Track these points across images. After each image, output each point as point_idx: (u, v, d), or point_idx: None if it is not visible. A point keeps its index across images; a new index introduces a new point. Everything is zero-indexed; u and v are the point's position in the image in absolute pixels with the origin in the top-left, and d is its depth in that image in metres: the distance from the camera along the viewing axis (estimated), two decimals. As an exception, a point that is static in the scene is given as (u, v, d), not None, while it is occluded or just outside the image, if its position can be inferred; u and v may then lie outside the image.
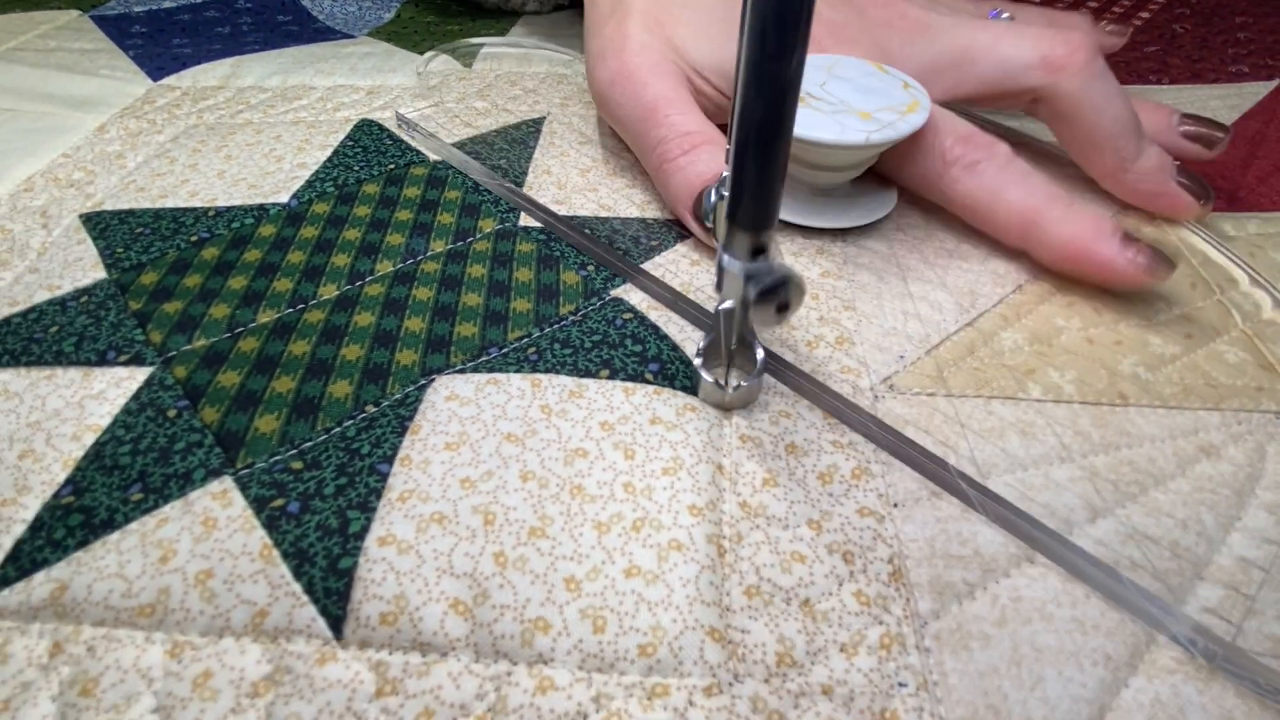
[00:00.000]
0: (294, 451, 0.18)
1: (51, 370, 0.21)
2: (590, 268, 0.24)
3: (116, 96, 0.35)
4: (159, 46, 0.39)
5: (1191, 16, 0.44)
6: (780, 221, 0.26)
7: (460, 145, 0.30)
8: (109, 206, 0.27)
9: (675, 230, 0.26)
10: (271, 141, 0.31)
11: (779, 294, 0.17)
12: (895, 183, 0.27)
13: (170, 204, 0.27)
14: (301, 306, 0.23)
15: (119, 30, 0.41)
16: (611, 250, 0.25)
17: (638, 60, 0.26)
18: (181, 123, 0.33)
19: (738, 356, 0.20)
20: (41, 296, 0.23)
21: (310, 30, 0.43)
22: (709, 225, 0.24)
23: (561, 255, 0.25)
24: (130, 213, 0.27)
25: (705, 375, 0.20)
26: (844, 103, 0.24)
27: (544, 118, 0.32)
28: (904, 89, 0.25)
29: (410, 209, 0.27)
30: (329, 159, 0.29)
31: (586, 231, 0.25)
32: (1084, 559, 0.17)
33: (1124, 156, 0.26)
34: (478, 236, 0.26)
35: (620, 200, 0.27)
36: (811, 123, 0.24)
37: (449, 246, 0.25)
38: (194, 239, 0.25)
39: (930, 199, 0.26)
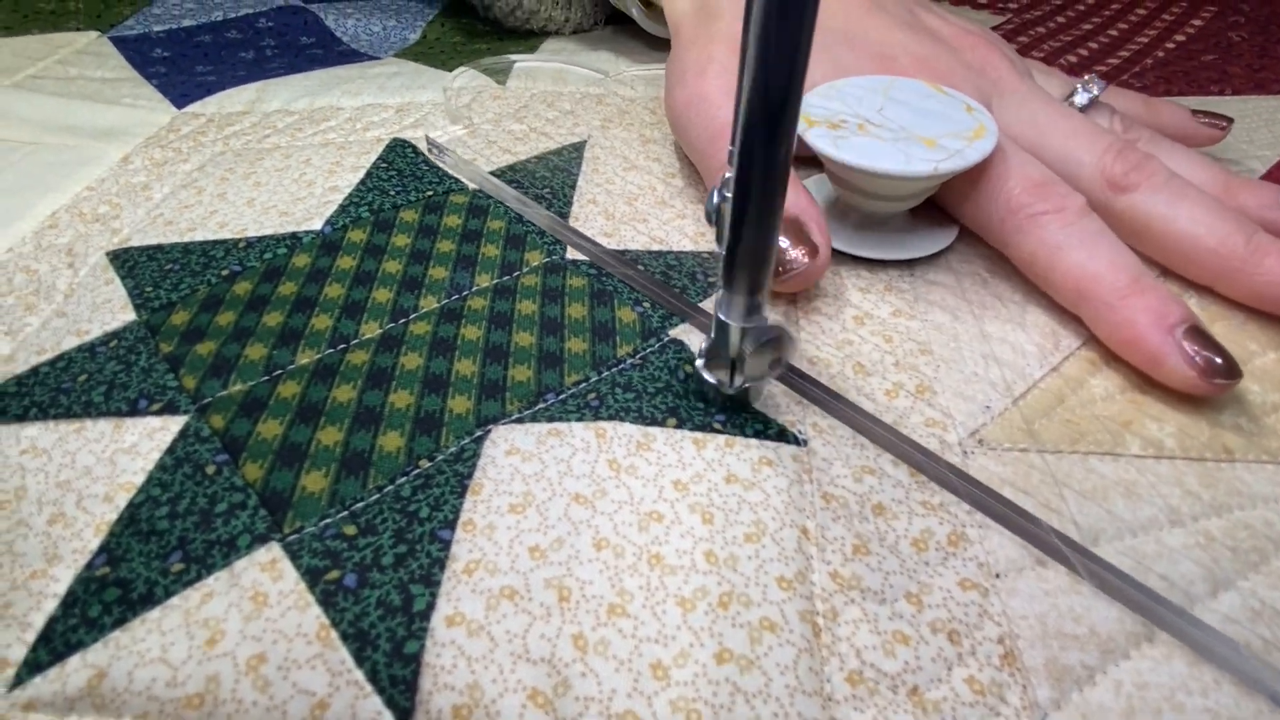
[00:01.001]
0: (346, 514, 0.17)
1: (81, 423, 0.20)
2: (646, 304, 0.23)
3: (140, 125, 0.33)
4: (182, 73, 0.38)
5: (1247, 25, 0.42)
6: (835, 251, 0.24)
7: (499, 174, 0.29)
8: (136, 242, 0.26)
9: (733, 265, 0.25)
10: (301, 165, 0.30)
11: (773, 349, 0.18)
12: (951, 215, 0.26)
13: (199, 236, 0.26)
14: (343, 346, 0.21)
15: (140, 55, 0.39)
16: (667, 287, 0.23)
17: (716, 84, 0.26)
18: (208, 150, 0.32)
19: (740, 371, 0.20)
20: (70, 343, 0.22)
21: (335, 53, 0.42)
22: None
23: (615, 290, 0.23)
24: (159, 248, 0.26)
25: (708, 376, 0.20)
26: (904, 129, 0.23)
27: (584, 142, 0.31)
28: (967, 112, 0.24)
29: (452, 239, 0.25)
30: (362, 181, 0.28)
31: (640, 267, 0.24)
32: (1211, 637, 0.15)
33: (1225, 254, 0.22)
34: (525, 270, 0.24)
35: (672, 232, 0.26)
36: (873, 152, 0.22)
37: (495, 281, 0.24)
38: (225, 273, 0.24)
39: (987, 241, 0.25)
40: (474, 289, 0.23)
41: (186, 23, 0.43)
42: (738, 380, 0.19)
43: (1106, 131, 0.25)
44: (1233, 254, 0.22)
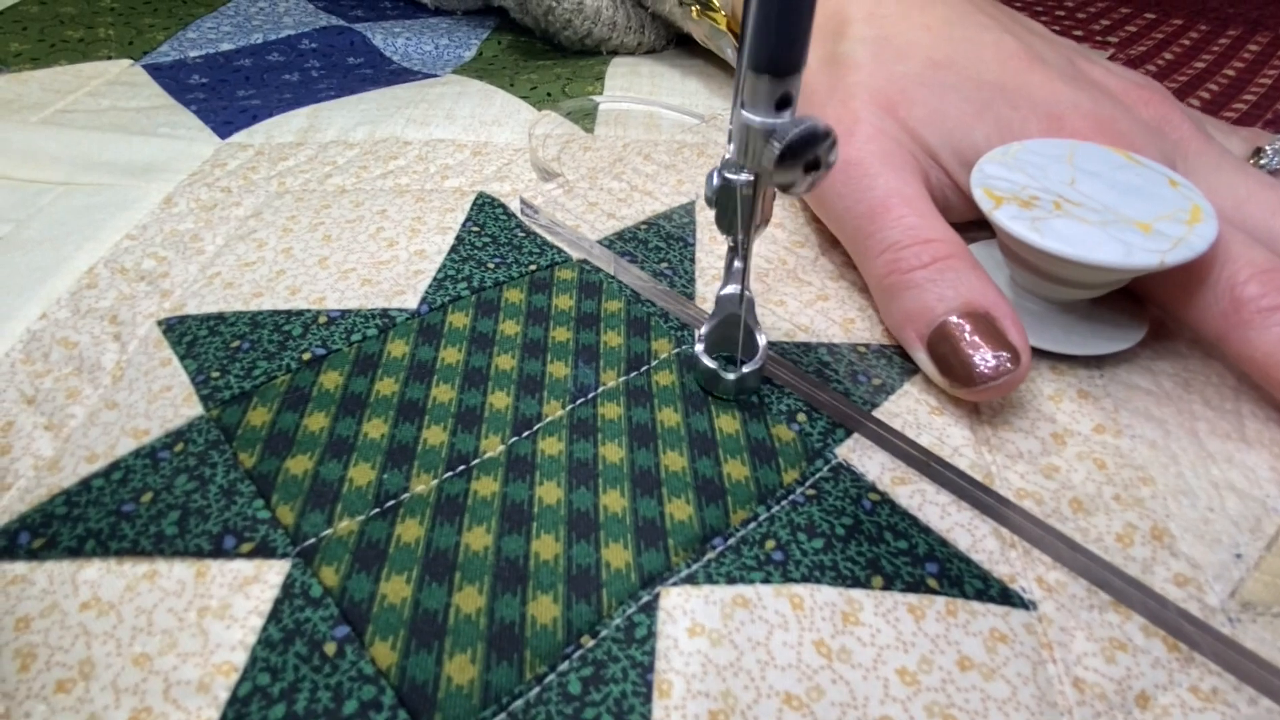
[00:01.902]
0: (504, 716, 0.14)
1: (152, 564, 0.16)
2: (801, 416, 0.20)
3: (181, 159, 0.30)
4: (222, 99, 0.34)
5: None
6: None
7: (608, 243, 0.25)
8: (192, 308, 0.22)
9: (898, 361, 0.21)
10: (376, 217, 0.26)
11: (807, 150, 0.15)
12: (1151, 305, 0.23)
13: (268, 304, 0.23)
14: (463, 469, 0.18)
15: (176, 82, 0.36)
16: (827, 389, 0.20)
17: (868, 148, 0.22)
18: (261, 191, 0.28)
19: (741, 343, 0.19)
20: (126, 446, 0.18)
21: (386, 72, 0.38)
22: (731, 235, 0.18)
23: (761, 396, 0.20)
24: (220, 318, 0.22)
25: (707, 362, 0.19)
26: (1109, 208, 0.20)
27: (693, 203, 0.28)
28: (1172, 187, 0.21)
29: (566, 325, 0.22)
30: (454, 249, 0.25)
31: (792, 362, 0.21)
32: None
33: None
34: (655, 364, 0.21)
35: (816, 317, 0.23)
36: (1083, 239, 0.19)
37: (624, 378, 0.20)
38: (307, 356, 0.21)
39: (1204, 338, 0.22)
40: (601, 389, 0.20)
41: (224, 46, 0.39)
42: (746, 367, 0.18)
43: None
44: None
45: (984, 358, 0.19)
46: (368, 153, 0.30)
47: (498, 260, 0.24)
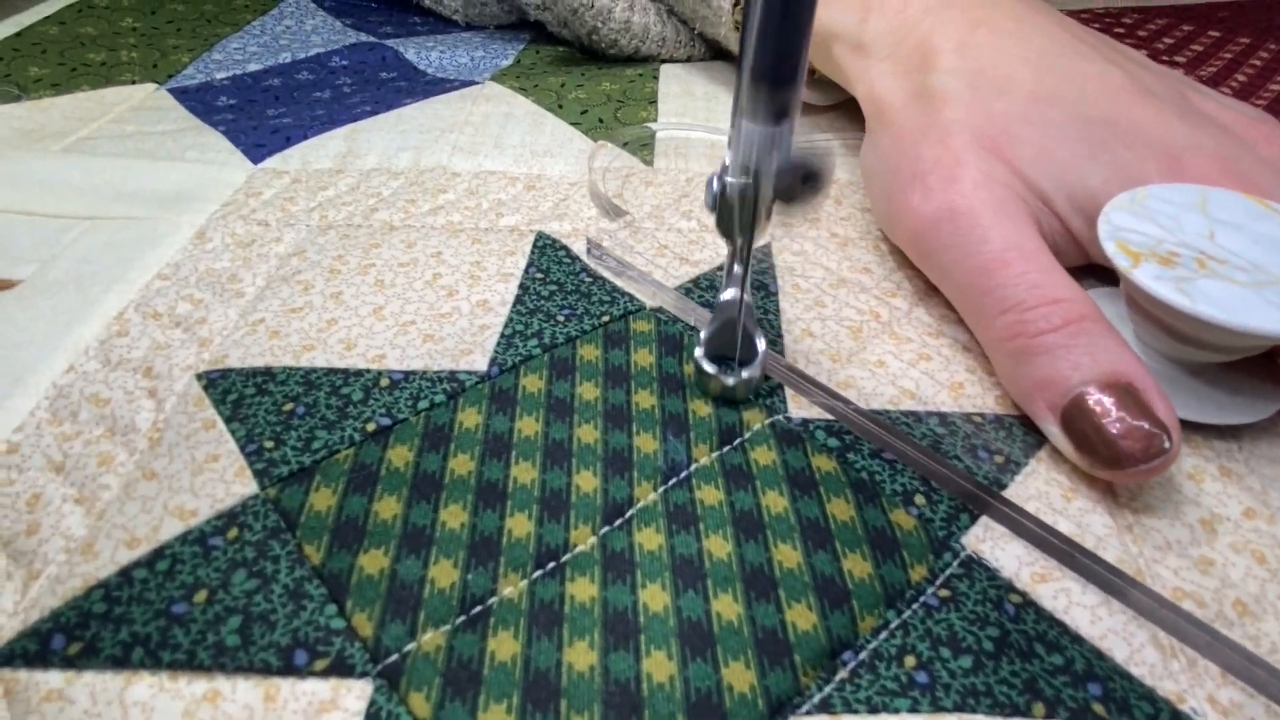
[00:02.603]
0: None
1: (211, 681, 0.14)
2: (920, 498, 0.18)
3: (212, 187, 0.28)
4: (252, 119, 0.32)
5: None
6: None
7: (685, 290, 0.23)
8: (235, 360, 0.21)
9: (1020, 432, 0.19)
10: (431, 261, 0.24)
11: (804, 160, 0.15)
12: None
13: (321, 360, 0.21)
14: (554, 566, 0.16)
15: (203, 105, 0.34)
16: (948, 465, 0.18)
17: (979, 195, 0.20)
18: (301, 224, 0.26)
19: (740, 346, 0.19)
20: (170, 528, 0.17)
21: (421, 83, 0.36)
22: (735, 231, 0.18)
23: (872, 474, 0.18)
24: (269, 375, 0.20)
25: (706, 366, 0.19)
26: (1258, 266, 0.18)
27: (768, 244, 0.26)
28: None
29: (649, 388, 0.20)
30: (518, 300, 0.23)
31: (911, 435, 0.19)
32: None
33: None
34: (749, 436, 0.19)
35: (922, 381, 0.21)
36: (1237, 303, 0.17)
37: (717, 454, 0.18)
38: (371, 427, 0.19)
39: None
40: (695, 467, 0.18)
41: (252, 67, 0.37)
42: (745, 371, 0.19)
43: None
44: None
45: (1131, 436, 0.17)
46: (413, 183, 0.28)
47: (567, 312, 0.22)
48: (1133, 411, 0.17)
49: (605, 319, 0.22)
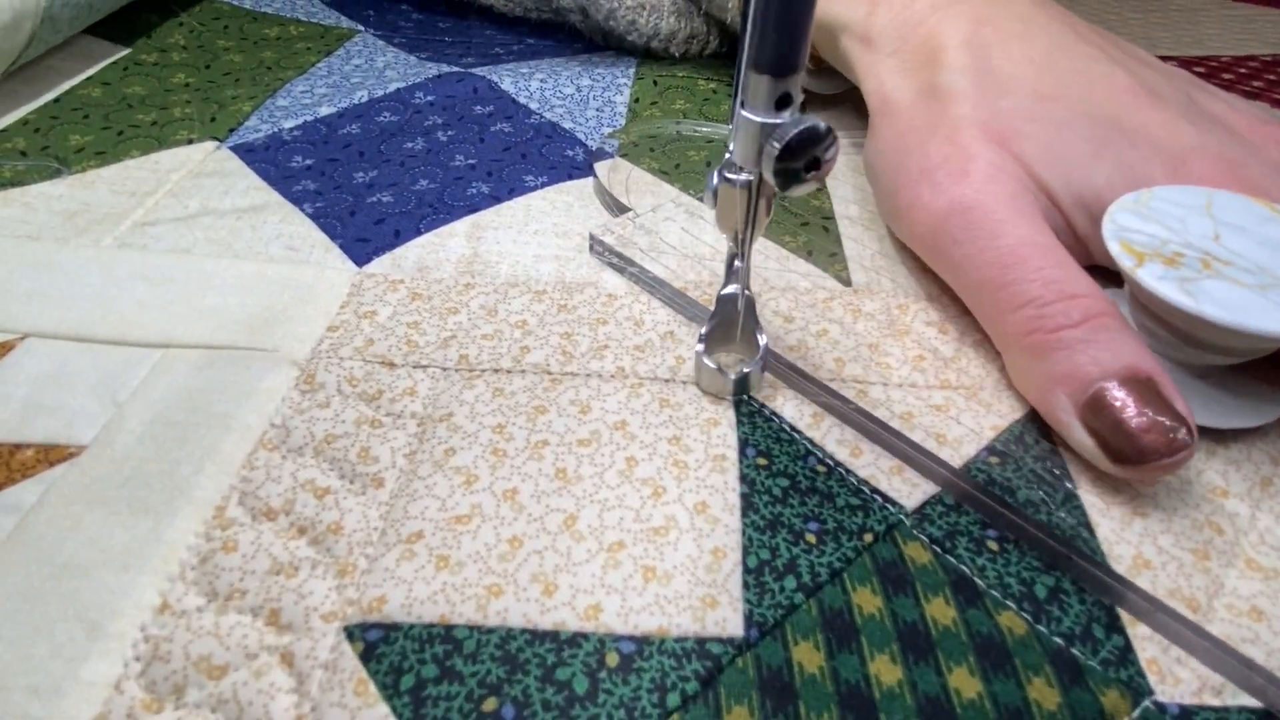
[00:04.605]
0: None
1: None
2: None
3: (311, 303, 0.22)
4: (338, 186, 0.27)
5: None
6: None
7: (686, 287, 0.18)
8: (398, 608, 0.15)
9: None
10: (617, 436, 0.19)
11: (806, 149, 0.15)
12: None
13: (516, 613, 0.15)
14: None
15: (275, 166, 0.28)
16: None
17: (990, 189, 0.20)
18: (436, 368, 0.21)
19: (740, 343, 0.19)
20: None
21: (528, 128, 0.32)
22: (736, 225, 0.18)
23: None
24: (451, 641, 0.15)
25: (706, 362, 0.19)
26: (1264, 269, 0.18)
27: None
28: None
29: (963, 663, 0.15)
30: (747, 502, 0.17)
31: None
32: None
33: None
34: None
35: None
36: (1242, 304, 0.17)
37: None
38: (603, 736, 0.13)
39: None
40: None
41: (324, 110, 0.31)
42: (746, 367, 0.19)
43: None
44: None
45: (1154, 431, 0.16)
46: (562, 307, 0.23)
47: (816, 527, 0.17)
48: (1154, 406, 0.17)
49: (868, 537, 0.17)
